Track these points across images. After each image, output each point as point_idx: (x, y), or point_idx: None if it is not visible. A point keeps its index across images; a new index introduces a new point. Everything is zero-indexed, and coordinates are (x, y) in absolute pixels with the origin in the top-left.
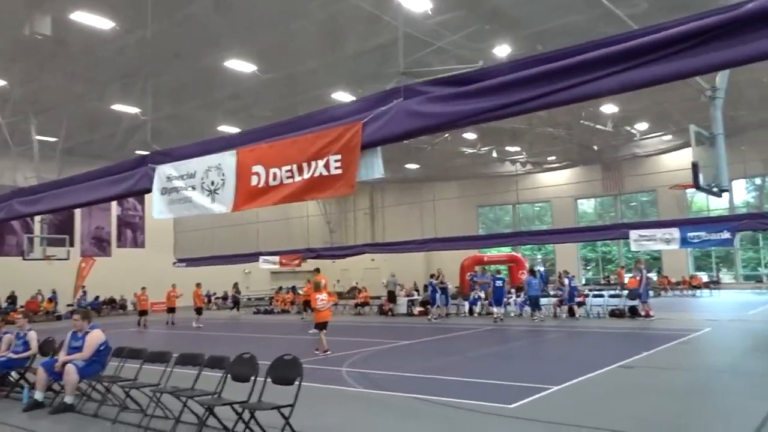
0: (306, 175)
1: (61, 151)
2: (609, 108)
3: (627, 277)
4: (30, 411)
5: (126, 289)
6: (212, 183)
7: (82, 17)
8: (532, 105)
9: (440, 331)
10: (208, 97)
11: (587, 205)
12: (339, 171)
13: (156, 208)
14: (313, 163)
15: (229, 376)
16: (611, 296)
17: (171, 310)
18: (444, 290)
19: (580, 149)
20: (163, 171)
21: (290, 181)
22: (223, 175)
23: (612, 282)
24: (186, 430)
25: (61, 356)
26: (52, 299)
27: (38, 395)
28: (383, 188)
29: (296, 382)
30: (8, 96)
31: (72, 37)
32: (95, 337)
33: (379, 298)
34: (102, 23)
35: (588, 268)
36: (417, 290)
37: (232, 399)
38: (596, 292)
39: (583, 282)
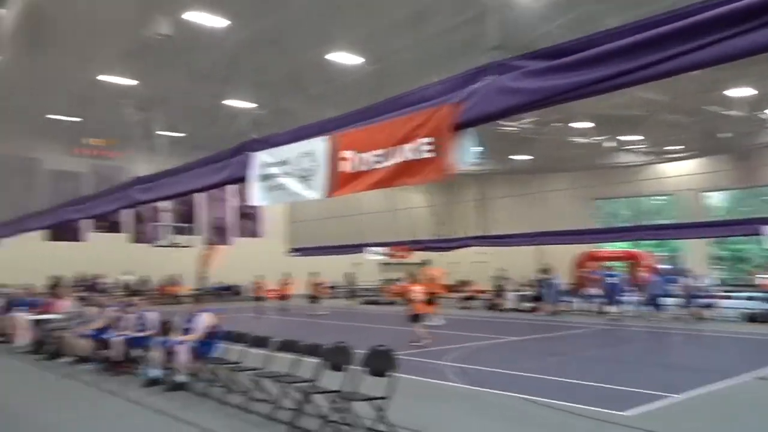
0: (395, 160)
1: (184, 145)
2: (742, 91)
3: (760, 278)
4: (147, 387)
5: (244, 277)
6: (305, 169)
7: (198, 17)
8: (641, 75)
9: (550, 329)
10: (314, 90)
11: (716, 199)
12: (429, 155)
13: (254, 195)
14: (403, 148)
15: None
16: (748, 298)
17: (284, 297)
18: (555, 286)
19: (706, 137)
20: (260, 158)
21: (379, 166)
22: (316, 161)
23: (746, 283)
24: (284, 414)
25: (175, 337)
26: (178, 283)
27: (155, 373)
28: (491, 179)
29: (391, 374)
30: (136, 94)
31: (189, 36)
32: (206, 320)
33: (486, 292)
34: (216, 21)
35: (719, 267)
36: (526, 285)
37: (328, 387)
38: (729, 294)
39: (714, 282)
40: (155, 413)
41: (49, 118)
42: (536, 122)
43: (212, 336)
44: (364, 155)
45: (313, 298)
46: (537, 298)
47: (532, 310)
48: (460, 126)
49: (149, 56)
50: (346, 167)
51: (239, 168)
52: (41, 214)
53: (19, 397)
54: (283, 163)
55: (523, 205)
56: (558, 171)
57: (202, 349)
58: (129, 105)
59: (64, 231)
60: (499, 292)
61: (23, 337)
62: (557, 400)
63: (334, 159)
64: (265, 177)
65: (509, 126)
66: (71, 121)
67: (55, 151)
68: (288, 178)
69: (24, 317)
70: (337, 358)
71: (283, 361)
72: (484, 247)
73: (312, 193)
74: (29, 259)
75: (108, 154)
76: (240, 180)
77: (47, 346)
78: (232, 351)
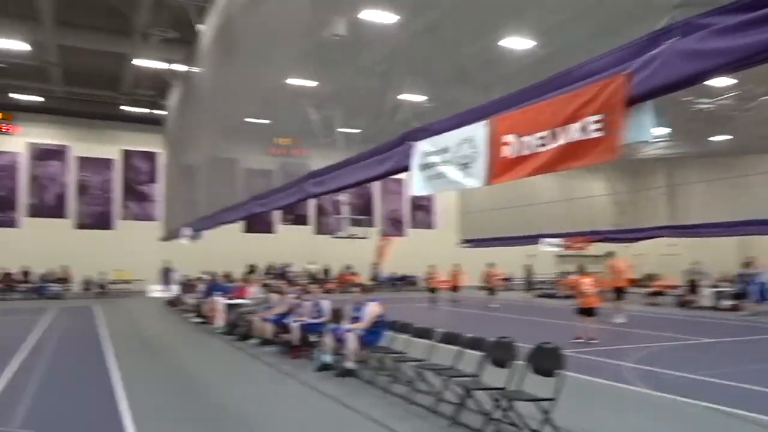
0: (560, 142)
1: (359, 140)
2: None
3: None
4: (319, 372)
5: (417, 267)
6: (465, 156)
7: (371, 15)
8: None
9: (755, 331)
10: (483, 79)
11: None
12: (599, 134)
13: (415, 184)
14: (569, 128)
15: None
16: None
17: (455, 288)
18: (763, 282)
19: None
20: (421, 147)
21: (543, 149)
22: (475, 147)
23: None
24: (446, 408)
25: (345, 325)
26: (356, 273)
27: (327, 358)
28: (683, 163)
29: (558, 374)
30: (316, 94)
31: (362, 34)
32: (373, 310)
33: (677, 287)
34: (386, 17)
35: None
36: (726, 281)
37: (491, 383)
38: None
39: None
40: (324, 397)
41: (245, 122)
42: (738, 97)
43: (379, 325)
44: (526, 138)
45: (488, 290)
46: (739, 296)
47: (733, 308)
48: (635, 99)
49: (326, 57)
50: (507, 152)
51: (402, 158)
52: (234, 208)
53: (213, 372)
54: (443, 151)
55: (722, 192)
56: (766, 152)
57: (369, 337)
58: (310, 104)
59: (258, 224)
60: (692, 287)
61: (220, 319)
62: (764, 415)
63: (495, 144)
64: (426, 166)
65: (703, 103)
66: (263, 123)
67: (250, 151)
68: (448, 166)
69: (220, 301)
70: (500, 353)
71: (447, 353)
72: (675, 238)
73: (472, 180)
74: (230, 249)
75: (293, 152)
76: (403, 170)
77: (239, 328)
78: (399, 341)
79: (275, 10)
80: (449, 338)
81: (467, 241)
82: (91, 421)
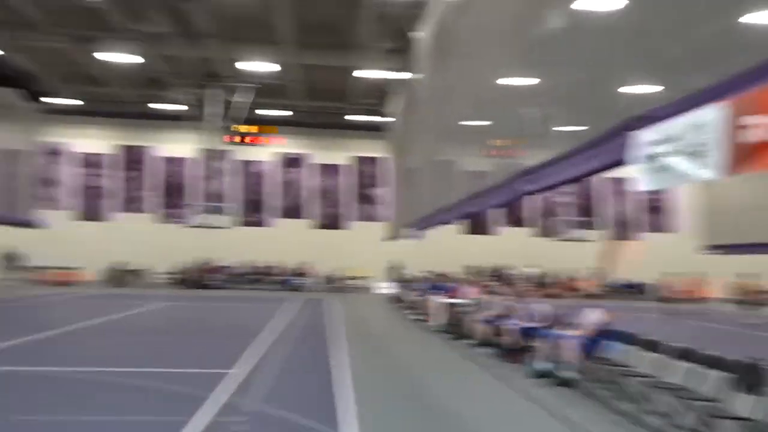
0: None
1: (583, 138)
2: None
3: None
4: (534, 378)
5: (652, 274)
6: (696, 145)
7: (589, 3)
8: None
9: None
10: (732, 61)
11: None
12: None
13: (640, 179)
14: None
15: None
16: None
17: (697, 299)
18: None
19: None
20: (642, 137)
21: None
22: (709, 133)
23: None
24: None
25: (563, 331)
26: (581, 278)
27: (542, 365)
28: None
29: None
30: (533, 92)
31: (582, 25)
32: (596, 317)
33: None
34: (611, 4)
35: None
36: None
37: (736, 412)
38: None
39: None
40: (537, 406)
41: (460, 124)
42: None
43: (601, 333)
44: None
45: (748, 304)
46: None
47: None
48: None
49: (542, 52)
50: (750, 137)
51: (619, 151)
52: (450, 208)
53: (426, 367)
54: (669, 140)
55: None
56: None
57: (590, 346)
58: (525, 103)
59: (478, 225)
60: None
61: (436, 317)
62: None
63: (734, 128)
64: (649, 158)
65: None
66: (478, 125)
67: (466, 153)
68: (676, 156)
69: (437, 300)
70: (749, 376)
71: (680, 372)
72: None
73: (706, 172)
74: (450, 250)
75: (508, 153)
76: (620, 163)
77: (455, 327)
78: (625, 352)
79: (487, 9)
80: (684, 354)
81: (716, 247)
82: (318, 401)
